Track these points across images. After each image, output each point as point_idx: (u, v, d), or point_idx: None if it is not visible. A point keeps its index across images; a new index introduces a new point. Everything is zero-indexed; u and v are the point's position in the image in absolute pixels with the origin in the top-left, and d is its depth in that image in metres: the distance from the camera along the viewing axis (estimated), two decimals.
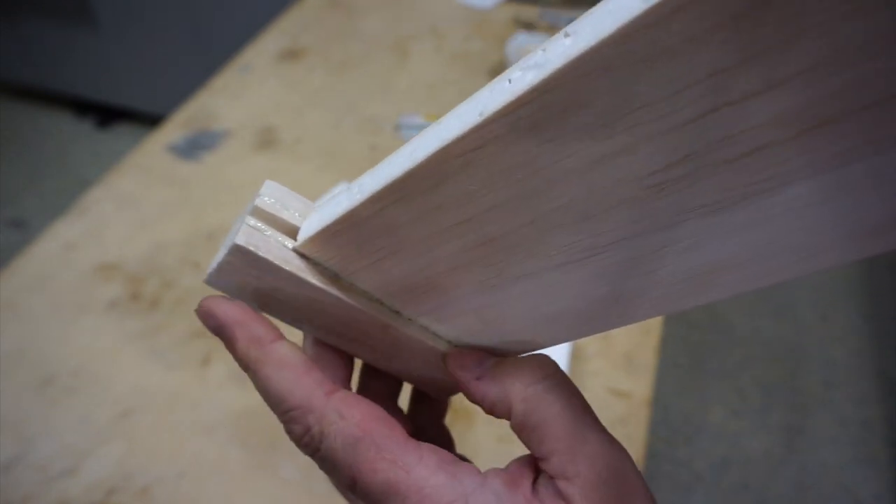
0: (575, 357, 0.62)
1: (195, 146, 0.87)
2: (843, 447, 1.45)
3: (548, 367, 0.22)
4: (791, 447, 1.45)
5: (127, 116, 2.31)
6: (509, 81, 0.15)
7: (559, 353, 0.59)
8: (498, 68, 1.02)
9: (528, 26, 1.13)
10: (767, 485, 1.39)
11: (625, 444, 0.22)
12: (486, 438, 0.56)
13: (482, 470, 0.21)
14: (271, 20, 1.18)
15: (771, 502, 1.36)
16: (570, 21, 1.10)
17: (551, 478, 0.20)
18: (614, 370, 0.61)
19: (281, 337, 0.21)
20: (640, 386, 0.60)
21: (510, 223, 0.18)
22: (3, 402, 0.58)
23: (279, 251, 0.21)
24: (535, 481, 0.21)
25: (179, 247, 0.73)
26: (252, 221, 0.21)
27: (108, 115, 2.32)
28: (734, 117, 0.13)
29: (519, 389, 0.22)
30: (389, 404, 0.28)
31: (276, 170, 0.83)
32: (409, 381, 0.29)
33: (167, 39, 2.01)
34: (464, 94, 1.06)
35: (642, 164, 0.15)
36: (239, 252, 0.21)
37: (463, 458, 0.23)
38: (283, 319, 0.25)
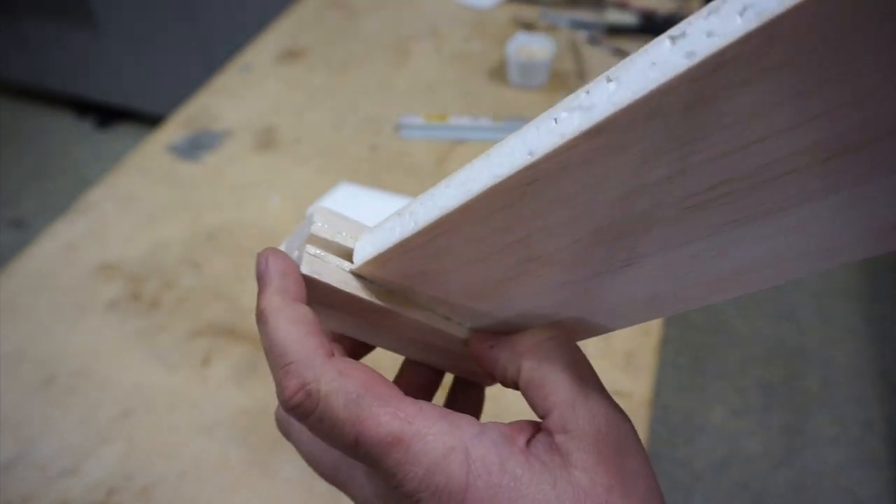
0: None
1: (195, 146, 0.87)
2: (843, 447, 1.45)
3: (554, 328, 0.24)
4: (791, 447, 1.45)
5: (127, 116, 2.31)
6: (555, 121, 0.16)
7: None
8: (498, 68, 1.02)
9: (528, 26, 1.13)
10: (767, 485, 1.39)
11: None
12: None
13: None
14: (271, 20, 1.18)
15: (771, 502, 1.37)
16: (570, 21, 1.09)
17: (550, 435, 0.21)
18: (614, 370, 0.61)
19: (306, 301, 0.23)
20: (640, 386, 0.60)
21: (557, 243, 0.19)
22: (3, 402, 0.58)
23: (338, 275, 0.23)
24: (530, 439, 0.21)
25: (179, 247, 0.73)
26: (312, 250, 0.23)
27: (108, 115, 2.32)
28: (768, 149, 0.15)
29: (526, 346, 0.23)
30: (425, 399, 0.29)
31: (276, 170, 0.83)
32: (452, 372, 0.31)
33: (167, 39, 2.02)
34: (464, 95, 1.06)
35: (681, 190, 0.16)
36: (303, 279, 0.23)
37: None
38: (333, 328, 0.27)
